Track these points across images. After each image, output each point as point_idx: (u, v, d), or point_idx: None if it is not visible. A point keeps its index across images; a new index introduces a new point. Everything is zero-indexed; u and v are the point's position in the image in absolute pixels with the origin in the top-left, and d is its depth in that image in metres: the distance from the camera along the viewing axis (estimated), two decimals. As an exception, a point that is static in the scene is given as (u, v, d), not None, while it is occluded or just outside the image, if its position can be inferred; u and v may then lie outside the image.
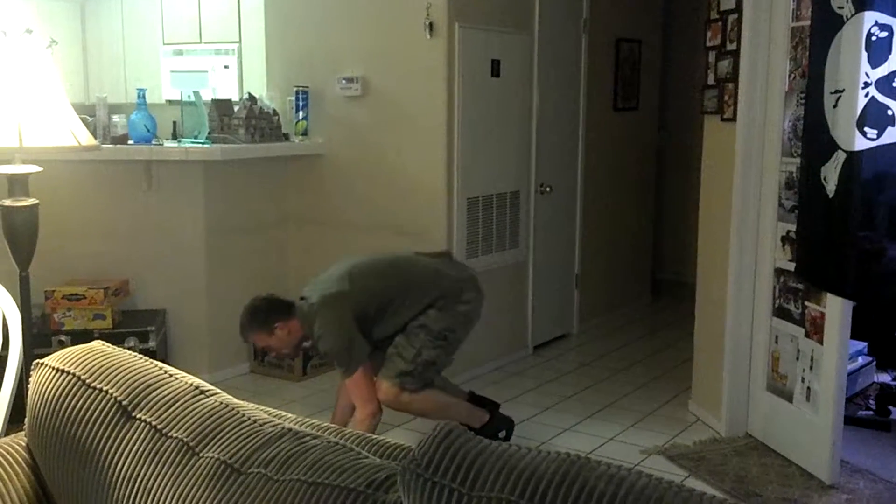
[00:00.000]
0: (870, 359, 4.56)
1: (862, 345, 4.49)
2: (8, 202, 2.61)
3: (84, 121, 2.85)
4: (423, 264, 3.63)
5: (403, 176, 4.86)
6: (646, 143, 6.70)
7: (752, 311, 4.06)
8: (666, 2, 6.83)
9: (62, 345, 4.18)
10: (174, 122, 6.20)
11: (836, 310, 3.51)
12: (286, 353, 3.73)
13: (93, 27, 7.15)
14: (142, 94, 4.73)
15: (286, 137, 5.11)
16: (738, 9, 3.98)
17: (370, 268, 3.56)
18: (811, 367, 3.69)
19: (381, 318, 3.48)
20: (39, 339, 4.11)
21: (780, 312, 3.90)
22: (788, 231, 3.77)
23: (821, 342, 3.61)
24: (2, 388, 2.32)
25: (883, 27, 3.09)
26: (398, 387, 3.47)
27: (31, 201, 2.64)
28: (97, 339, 4.06)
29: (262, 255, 5.13)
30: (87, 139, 2.65)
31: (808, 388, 3.71)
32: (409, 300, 3.50)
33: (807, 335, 3.71)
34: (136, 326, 4.44)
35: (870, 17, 3.11)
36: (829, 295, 3.52)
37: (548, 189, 5.51)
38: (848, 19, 3.18)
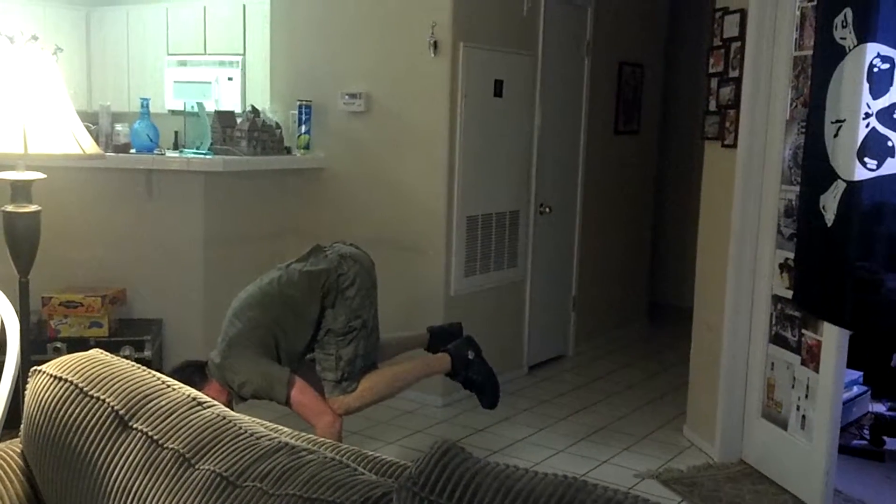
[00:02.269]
0: (865, 388, 4.55)
1: (857, 374, 4.49)
2: (11, 208, 2.62)
3: (87, 129, 2.85)
4: (294, 275, 3.52)
5: (404, 192, 4.88)
6: (646, 167, 6.72)
7: (749, 338, 4.06)
8: (669, 27, 6.87)
9: (58, 352, 4.17)
10: (176, 132, 6.22)
11: (832, 338, 3.51)
12: (227, 402, 3.61)
13: (97, 36, 7.18)
14: (145, 104, 4.74)
15: (288, 151, 5.12)
16: (741, 37, 4.01)
17: (248, 302, 3.49)
18: (806, 395, 3.69)
19: (284, 340, 3.42)
20: (35, 346, 4.08)
21: (777, 339, 3.90)
22: (787, 258, 3.78)
23: (817, 370, 3.61)
24: (-3, 394, 2.32)
25: (885, 59, 3.12)
26: (342, 395, 3.46)
27: (33, 208, 2.64)
28: (93, 346, 4.04)
29: (259, 267, 5.09)
30: (91, 147, 2.66)
31: (803, 416, 3.71)
32: (298, 316, 3.44)
33: (803, 363, 3.72)
34: (131, 335, 4.43)
35: (872, 49, 3.14)
36: (825, 323, 3.53)
37: (547, 210, 5.52)
38: (850, 50, 3.21)
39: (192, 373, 3.40)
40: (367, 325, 3.54)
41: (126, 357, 4.02)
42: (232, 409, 3.61)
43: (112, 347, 4.11)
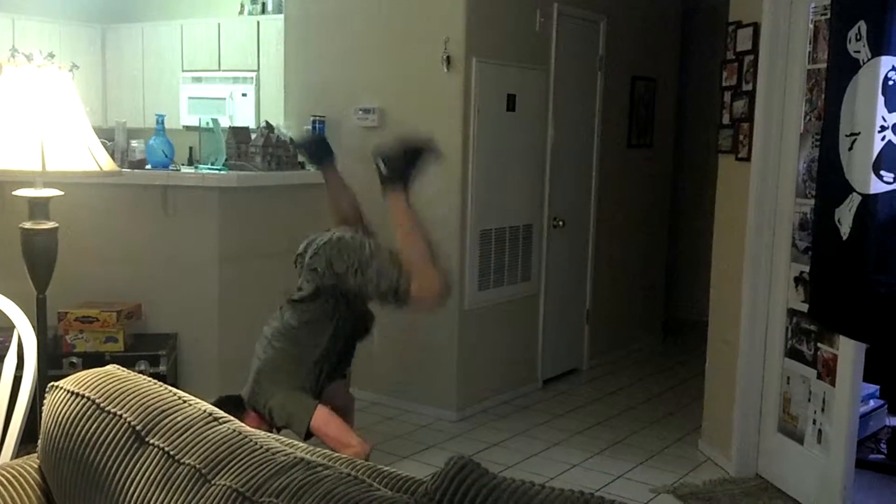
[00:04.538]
0: (882, 402, 4.52)
1: (874, 388, 4.46)
2: (28, 225, 2.63)
3: (103, 145, 2.87)
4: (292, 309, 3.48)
5: (418, 206, 4.84)
6: (659, 180, 6.71)
7: (764, 352, 4.04)
8: (682, 41, 6.87)
9: (73, 367, 4.19)
10: (191, 148, 6.26)
11: (848, 352, 3.49)
12: (271, 430, 3.57)
13: (113, 52, 7.25)
14: (161, 120, 4.78)
15: (302, 166, 5.15)
16: (755, 50, 4.01)
17: (272, 334, 3.49)
18: (823, 410, 3.66)
19: (304, 370, 3.38)
20: (51, 361, 4.11)
21: (793, 353, 3.88)
22: (802, 272, 3.76)
23: (833, 384, 3.59)
24: (15, 410, 2.33)
25: (899, 72, 3.11)
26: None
27: (51, 225, 2.66)
28: (108, 361, 4.08)
29: (274, 281, 5.12)
30: (108, 164, 2.68)
31: (820, 430, 3.69)
32: (320, 323, 3.40)
33: (819, 377, 3.69)
34: (147, 350, 4.45)
35: (886, 62, 3.14)
36: (841, 337, 3.51)
37: (561, 223, 5.52)
38: (864, 63, 3.21)
39: (231, 407, 3.39)
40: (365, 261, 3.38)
41: (141, 372, 4.05)
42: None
43: (127, 362, 4.15)
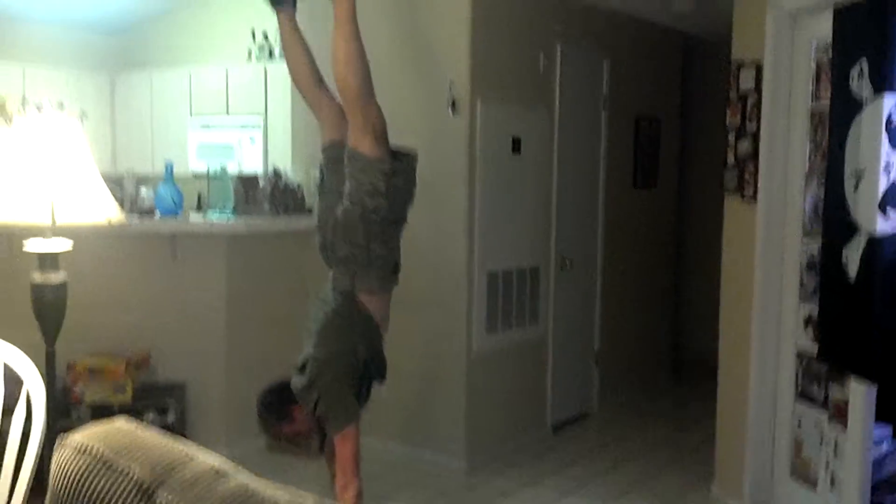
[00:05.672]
0: (896, 443, 4.47)
1: (888, 429, 4.41)
2: (39, 279, 2.65)
3: (112, 193, 2.90)
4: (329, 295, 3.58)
5: (424, 249, 4.88)
6: (665, 220, 6.72)
7: (775, 394, 4.01)
8: (685, 81, 6.92)
9: (80, 418, 4.18)
10: (199, 194, 6.30)
11: (859, 394, 3.46)
12: (311, 432, 3.64)
13: (122, 99, 7.33)
14: (170, 168, 4.82)
15: (310, 211, 5.17)
16: (758, 90, 4.03)
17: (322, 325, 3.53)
18: (835, 453, 3.62)
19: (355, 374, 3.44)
20: (59, 411, 4.11)
21: (804, 396, 3.85)
22: (810, 313, 3.74)
23: (845, 427, 3.55)
24: (23, 464, 2.32)
25: (903, 112, 3.12)
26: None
27: (60, 277, 2.67)
28: (116, 412, 4.08)
29: (281, 328, 5.13)
30: (117, 216, 2.70)
31: (832, 474, 3.64)
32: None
33: (830, 419, 3.66)
34: (155, 400, 4.44)
35: (889, 101, 3.14)
36: (852, 379, 3.48)
37: (568, 265, 5.52)
38: (868, 103, 3.21)
39: (281, 394, 3.42)
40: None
41: (150, 422, 4.04)
42: (311, 447, 3.58)
43: (135, 413, 4.15)
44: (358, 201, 3.33)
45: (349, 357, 3.37)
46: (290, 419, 3.49)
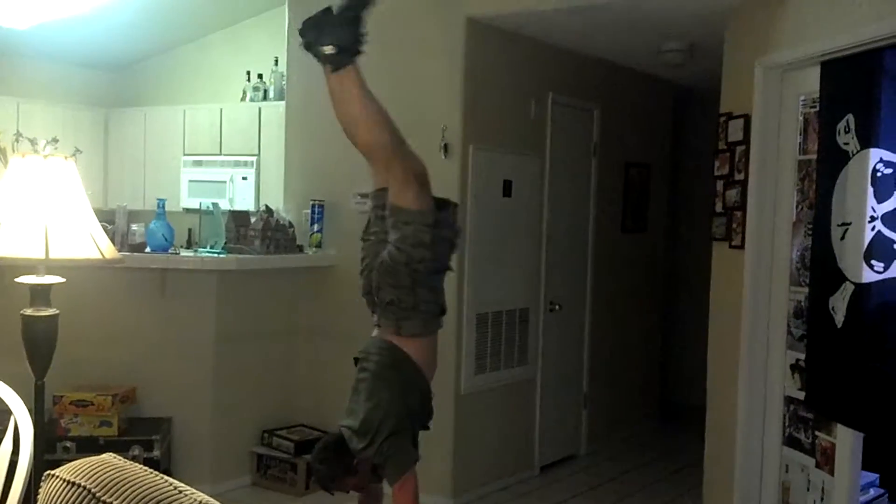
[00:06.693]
0: (882, 491, 4.47)
1: (874, 476, 4.41)
2: (30, 312, 2.65)
3: (104, 228, 2.91)
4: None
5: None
6: (654, 264, 6.77)
7: (762, 440, 4.02)
8: (675, 128, 7.01)
9: (67, 451, 4.15)
10: (189, 230, 6.31)
11: (846, 441, 3.47)
12: (369, 478, 3.51)
13: (116, 136, 7.36)
14: (161, 205, 4.83)
15: (301, 249, 5.19)
16: (746, 140, 4.09)
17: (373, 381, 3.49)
18: (822, 499, 3.63)
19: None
20: (45, 445, 4.08)
21: (791, 442, 3.86)
22: (798, 360, 3.77)
23: (832, 473, 3.56)
24: (9, 497, 2.31)
25: (888, 164, 3.18)
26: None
27: (51, 311, 2.67)
28: (102, 445, 4.06)
29: (269, 365, 5.13)
30: (110, 251, 2.71)
31: (820, 520, 3.64)
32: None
33: (817, 465, 3.67)
34: (141, 435, 4.42)
35: (875, 154, 3.20)
36: (839, 425, 3.50)
37: (557, 307, 5.54)
38: (854, 155, 3.27)
39: (340, 447, 3.35)
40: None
41: (135, 457, 4.02)
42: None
43: (121, 447, 4.13)
44: (404, 250, 3.30)
45: (402, 408, 3.35)
46: (353, 472, 3.43)
